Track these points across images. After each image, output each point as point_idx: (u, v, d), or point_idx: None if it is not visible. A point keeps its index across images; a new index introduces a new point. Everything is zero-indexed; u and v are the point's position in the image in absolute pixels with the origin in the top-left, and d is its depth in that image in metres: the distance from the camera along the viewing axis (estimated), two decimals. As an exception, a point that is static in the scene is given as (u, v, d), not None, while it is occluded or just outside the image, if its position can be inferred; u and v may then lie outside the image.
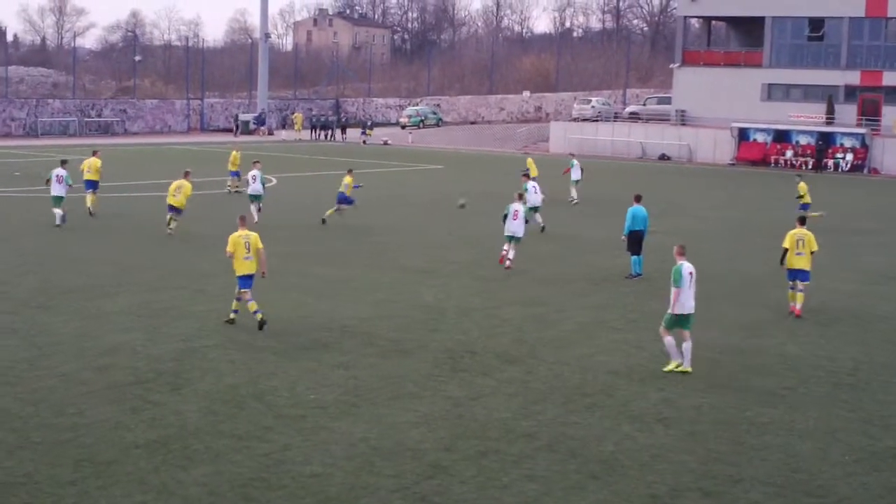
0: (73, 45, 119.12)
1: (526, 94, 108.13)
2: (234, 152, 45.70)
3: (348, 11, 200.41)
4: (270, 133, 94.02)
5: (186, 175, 32.96)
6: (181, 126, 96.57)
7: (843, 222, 40.63)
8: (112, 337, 19.58)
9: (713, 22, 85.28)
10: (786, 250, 23.65)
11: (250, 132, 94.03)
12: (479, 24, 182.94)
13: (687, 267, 18.42)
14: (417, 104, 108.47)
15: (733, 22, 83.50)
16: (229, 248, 20.64)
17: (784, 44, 76.39)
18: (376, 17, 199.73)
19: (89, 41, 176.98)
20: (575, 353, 19.42)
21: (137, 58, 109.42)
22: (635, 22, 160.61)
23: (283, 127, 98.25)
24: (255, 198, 35.76)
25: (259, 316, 20.37)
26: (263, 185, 36.69)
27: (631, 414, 15.93)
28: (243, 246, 20.52)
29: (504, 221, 28.10)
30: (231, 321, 20.74)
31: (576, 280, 26.98)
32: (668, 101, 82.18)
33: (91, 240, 31.30)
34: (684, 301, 18.24)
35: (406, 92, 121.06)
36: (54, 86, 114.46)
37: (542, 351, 19.45)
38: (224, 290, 24.04)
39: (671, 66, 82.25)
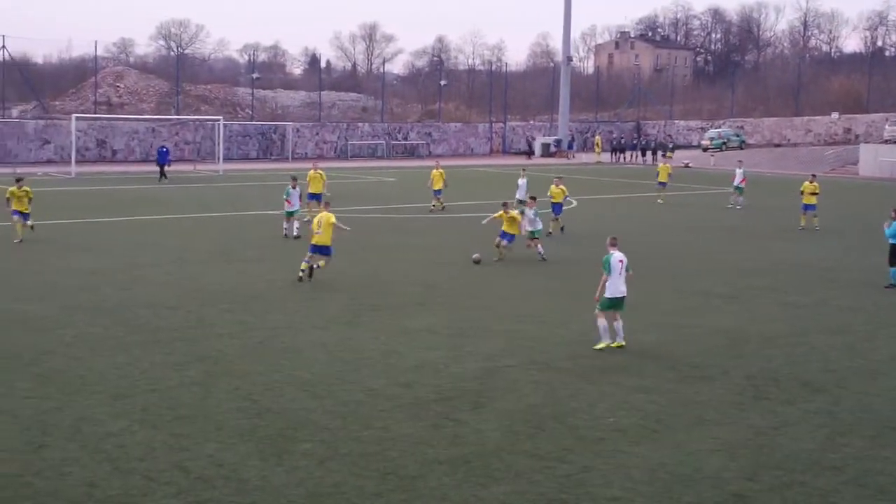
0: (381, 70, 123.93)
1: (834, 115, 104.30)
2: (434, 171, 48.08)
3: (650, 34, 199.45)
4: (573, 157, 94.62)
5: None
6: (483, 149, 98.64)
7: None
8: (417, 354, 20.12)
9: None
10: None
11: (550, 155, 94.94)
12: (785, 44, 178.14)
13: (616, 256, 20.66)
14: (720, 126, 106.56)
15: None
16: (313, 226, 27.93)
17: None
18: (678, 38, 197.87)
19: (397, 67, 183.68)
20: (886, 385, 18.50)
21: (443, 82, 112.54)
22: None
23: (584, 149, 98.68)
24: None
25: (320, 265, 27.74)
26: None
27: (949, 452, 15.01)
28: (316, 223, 27.70)
29: None
30: (300, 279, 27.67)
31: (887, 308, 25.77)
32: None
33: (396, 260, 32.39)
34: (616, 286, 20.59)
35: (708, 114, 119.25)
36: (363, 110, 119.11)
37: (849, 380, 18.64)
38: (529, 314, 24.33)
39: None
